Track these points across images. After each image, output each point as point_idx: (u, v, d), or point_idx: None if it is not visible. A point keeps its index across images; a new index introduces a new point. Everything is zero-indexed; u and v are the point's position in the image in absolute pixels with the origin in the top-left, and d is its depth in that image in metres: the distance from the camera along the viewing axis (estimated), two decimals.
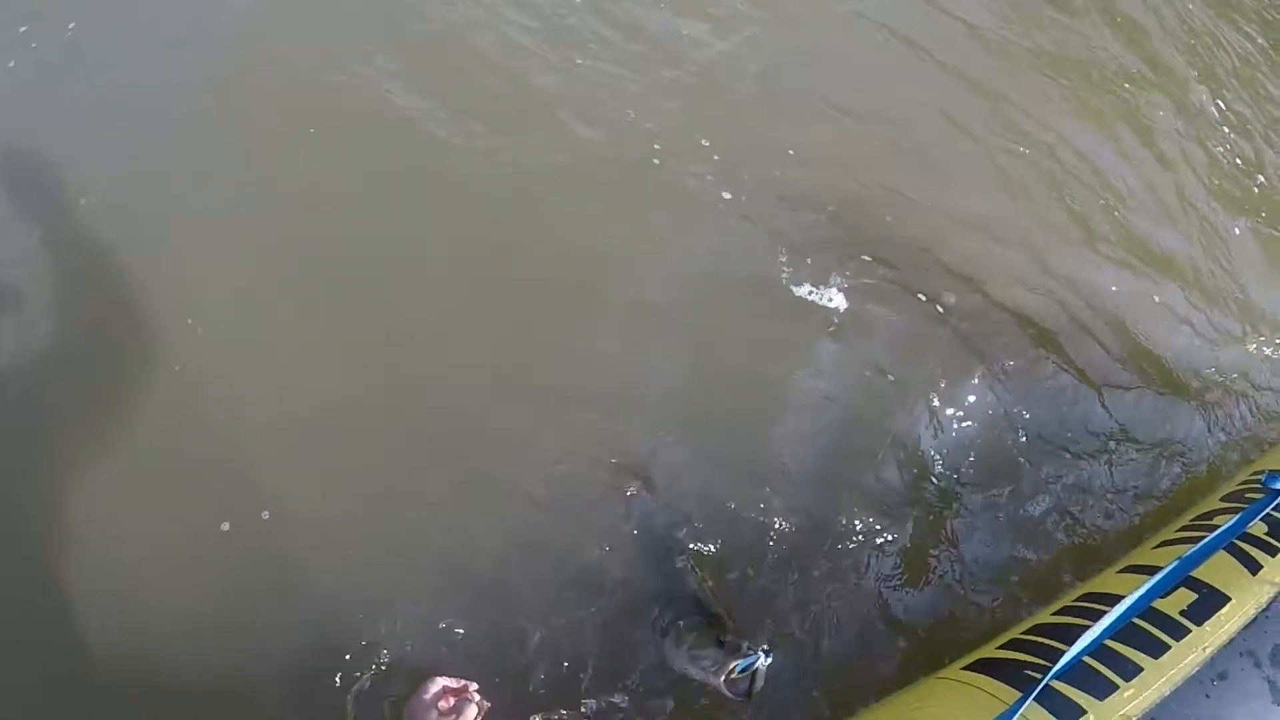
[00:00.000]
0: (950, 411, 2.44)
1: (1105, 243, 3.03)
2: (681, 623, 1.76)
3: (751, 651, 1.55)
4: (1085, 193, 3.15)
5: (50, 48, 2.63)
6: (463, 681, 1.39)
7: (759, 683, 1.55)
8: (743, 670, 1.55)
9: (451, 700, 1.36)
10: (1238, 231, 3.30)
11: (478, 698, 1.37)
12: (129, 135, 2.51)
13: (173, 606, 1.91)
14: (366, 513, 2.05)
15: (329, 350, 2.24)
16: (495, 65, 2.80)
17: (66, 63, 2.61)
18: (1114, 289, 2.91)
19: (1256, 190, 3.53)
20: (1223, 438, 2.62)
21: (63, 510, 1.96)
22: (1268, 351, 2.96)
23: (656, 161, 2.67)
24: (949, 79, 3.35)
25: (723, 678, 1.57)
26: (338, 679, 1.83)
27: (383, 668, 1.85)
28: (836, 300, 2.54)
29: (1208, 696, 1.61)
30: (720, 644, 1.62)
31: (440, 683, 1.37)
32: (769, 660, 1.55)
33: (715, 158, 2.75)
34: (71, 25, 2.67)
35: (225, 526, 1.98)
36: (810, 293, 2.54)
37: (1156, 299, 2.95)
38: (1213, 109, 3.77)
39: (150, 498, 2.02)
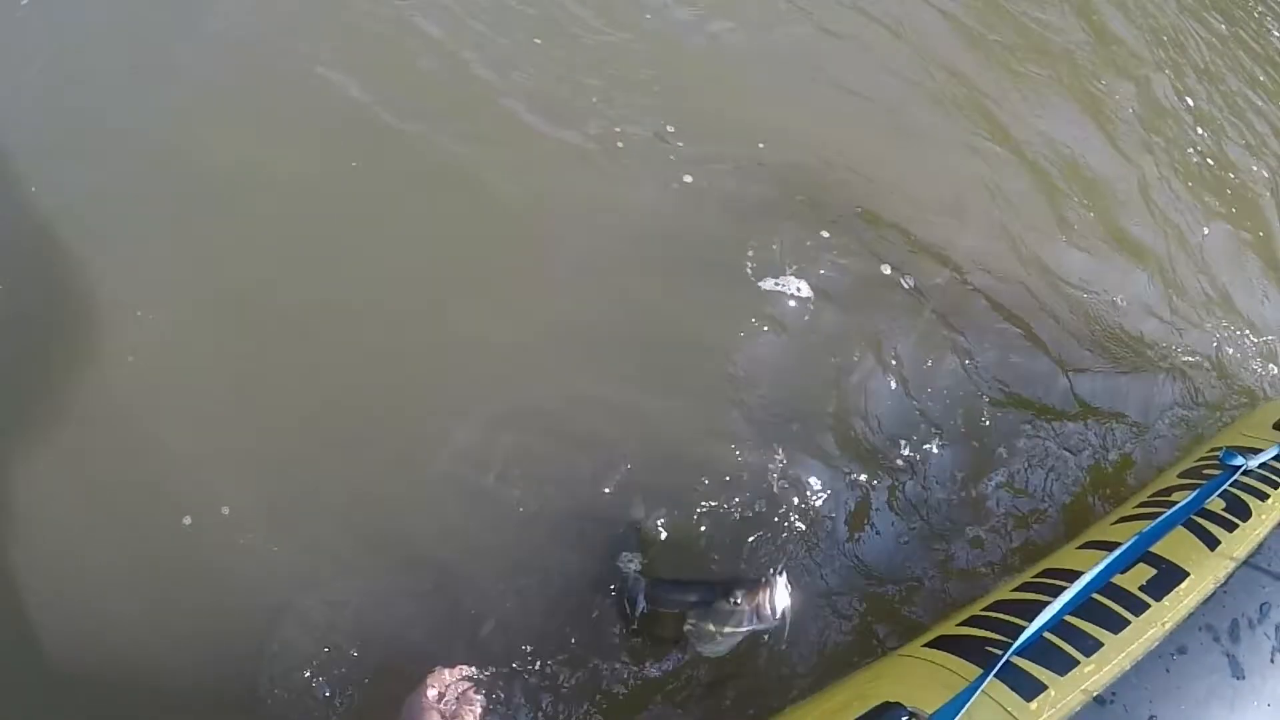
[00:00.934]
0: (913, 388, 2.43)
1: (1074, 231, 3.07)
2: (692, 624, 1.75)
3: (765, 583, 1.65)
4: (1054, 185, 3.18)
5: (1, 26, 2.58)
6: (461, 669, 1.35)
7: (780, 596, 1.64)
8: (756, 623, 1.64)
9: (454, 700, 1.32)
10: (1207, 231, 3.35)
11: (479, 700, 1.32)
12: (80, 119, 2.46)
13: (137, 603, 1.86)
14: (330, 503, 2.01)
15: (284, 342, 2.20)
16: (446, 50, 2.76)
17: (17, 42, 2.55)
18: (1081, 275, 2.94)
19: (1230, 191, 3.58)
20: (1181, 415, 2.65)
21: (18, 510, 1.91)
22: (1226, 338, 3.01)
23: (620, 145, 2.65)
24: (924, 68, 3.37)
25: (759, 620, 1.65)
26: (312, 672, 1.79)
27: (360, 660, 1.81)
28: (800, 283, 2.53)
29: (1168, 671, 1.60)
30: (735, 602, 1.66)
31: (442, 677, 1.32)
32: (782, 578, 1.66)
33: (680, 144, 2.74)
34: (25, 2, 2.61)
35: (187, 520, 1.94)
36: (776, 282, 2.52)
37: (1123, 284, 2.98)
38: (1182, 103, 3.83)
39: (108, 493, 1.97)
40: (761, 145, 2.86)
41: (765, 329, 2.41)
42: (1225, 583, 1.74)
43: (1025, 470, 2.35)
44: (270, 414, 2.11)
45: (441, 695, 1.31)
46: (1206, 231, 3.34)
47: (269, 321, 2.22)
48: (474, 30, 2.84)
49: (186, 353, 2.15)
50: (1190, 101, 3.86)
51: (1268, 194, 3.68)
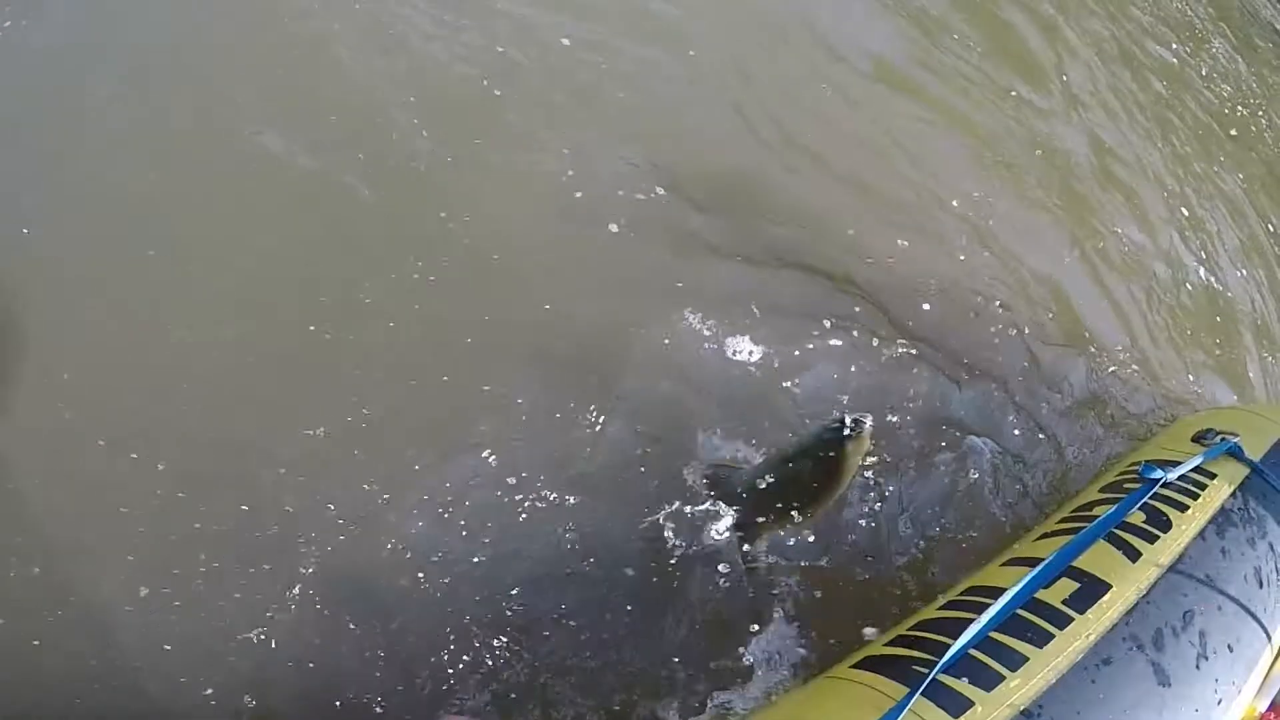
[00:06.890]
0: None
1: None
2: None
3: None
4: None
5: None
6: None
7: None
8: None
9: None
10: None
11: None
12: None
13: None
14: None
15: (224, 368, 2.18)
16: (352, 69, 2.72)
17: None
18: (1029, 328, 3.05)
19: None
20: (1101, 434, 2.72)
21: None
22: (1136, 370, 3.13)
23: (564, 181, 2.69)
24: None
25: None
26: None
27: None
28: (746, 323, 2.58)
29: (1094, 682, 1.62)
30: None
31: None
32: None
33: (658, 185, 2.78)
34: None
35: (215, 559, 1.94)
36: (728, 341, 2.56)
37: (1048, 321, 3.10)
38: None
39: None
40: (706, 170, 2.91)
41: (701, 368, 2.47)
42: (1148, 593, 1.78)
43: (954, 492, 2.40)
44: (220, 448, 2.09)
45: None
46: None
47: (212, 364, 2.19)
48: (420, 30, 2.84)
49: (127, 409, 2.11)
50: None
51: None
